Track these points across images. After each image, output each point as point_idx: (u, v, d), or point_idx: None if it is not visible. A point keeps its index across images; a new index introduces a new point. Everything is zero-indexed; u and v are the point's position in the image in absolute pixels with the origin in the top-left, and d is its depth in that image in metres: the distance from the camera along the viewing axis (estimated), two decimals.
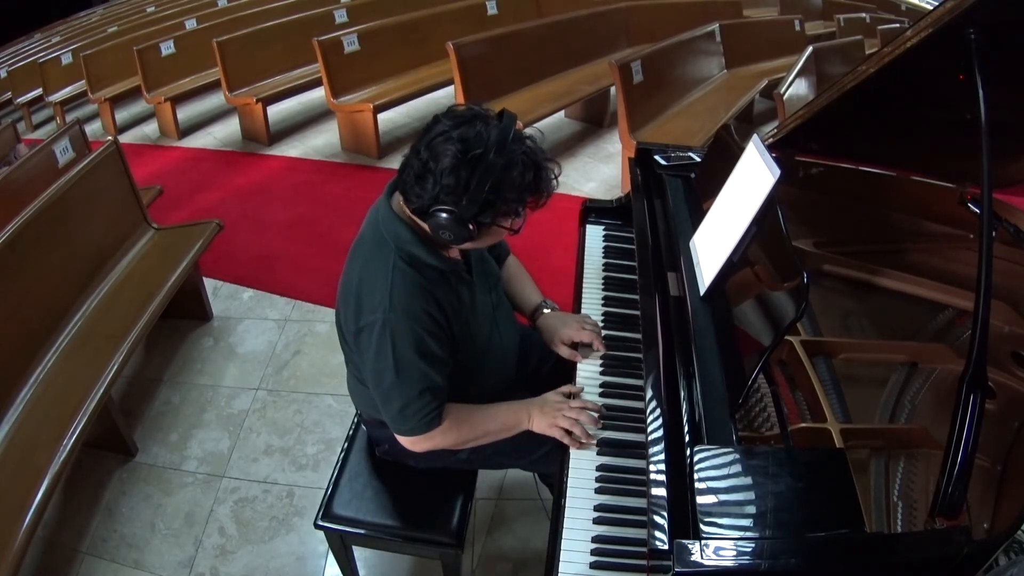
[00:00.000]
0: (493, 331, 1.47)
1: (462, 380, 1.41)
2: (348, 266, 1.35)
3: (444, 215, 1.19)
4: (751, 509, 0.98)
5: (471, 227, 1.20)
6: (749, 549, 0.92)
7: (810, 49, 4.14)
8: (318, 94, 4.83)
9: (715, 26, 4.65)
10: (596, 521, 1.22)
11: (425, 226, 1.26)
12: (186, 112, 5.31)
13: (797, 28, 5.56)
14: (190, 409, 2.49)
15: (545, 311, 1.61)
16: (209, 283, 3.04)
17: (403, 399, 1.31)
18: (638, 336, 1.45)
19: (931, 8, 1.22)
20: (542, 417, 1.39)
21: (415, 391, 1.30)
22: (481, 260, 1.48)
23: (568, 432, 1.35)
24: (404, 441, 1.39)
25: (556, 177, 1.26)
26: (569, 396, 1.43)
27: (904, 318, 1.51)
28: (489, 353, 1.47)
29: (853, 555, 0.94)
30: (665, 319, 1.36)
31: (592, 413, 1.37)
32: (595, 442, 1.35)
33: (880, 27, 5.75)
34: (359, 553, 1.79)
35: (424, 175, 1.18)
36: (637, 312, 1.52)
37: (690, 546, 0.91)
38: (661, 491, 1.05)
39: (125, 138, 5.03)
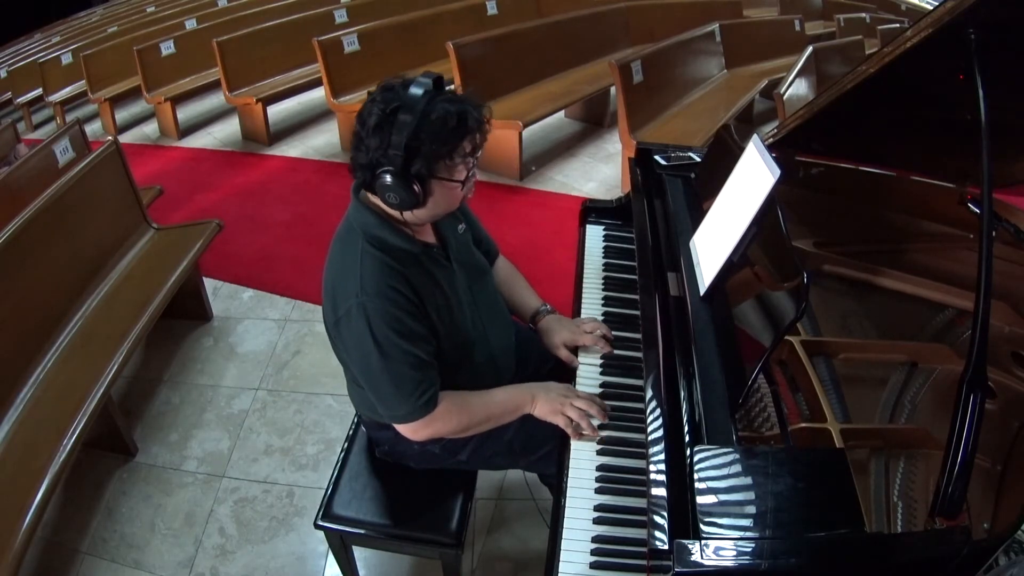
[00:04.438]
0: (478, 321, 1.46)
1: (455, 377, 1.40)
2: (326, 266, 1.37)
3: (384, 177, 1.21)
4: (751, 509, 0.98)
5: (413, 184, 1.22)
6: (749, 549, 0.92)
7: (810, 49, 4.15)
8: (318, 94, 4.83)
9: (715, 26, 4.66)
10: (596, 521, 1.22)
11: (388, 208, 1.30)
12: (186, 112, 5.31)
13: (797, 28, 5.56)
14: (190, 409, 2.49)
15: (547, 316, 1.61)
16: (209, 283, 3.04)
17: (393, 382, 1.30)
18: (638, 336, 1.45)
19: (931, 8, 1.22)
20: (547, 402, 1.38)
21: (403, 371, 1.29)
22: (465, 250, 1.48)
23: (571, 421, 1.35)
24: (405, 430, 1.38)
25: (487, 118, 1.26)
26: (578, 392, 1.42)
27: (904, 318, 1.51)
28: (479, 349, 1.46)
29: (853, 555, 0.94)
30: (665, 319, 1.36)
31: (598, 411, 1.37)
32: (598, 436, 1.34)
33: (880, 27, 5.75)
34: (359, 553, 1.79)
35: (359, 146, 1.24)
36: (637, 312, 1.52)
37: (690, 546, 0.91)
38: (661, 491, 1.05)
39: (125, 138, 5.03)
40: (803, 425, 1.18)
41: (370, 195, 1.33)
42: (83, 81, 5.39)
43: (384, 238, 1.30)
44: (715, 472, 1.02)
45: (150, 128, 5.29)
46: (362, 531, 1.53)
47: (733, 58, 4.79)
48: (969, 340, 1.05)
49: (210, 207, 3.87)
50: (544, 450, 1.45)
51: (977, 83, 1.18)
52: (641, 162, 1.87)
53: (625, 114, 3.62)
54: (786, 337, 1.26)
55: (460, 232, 1.49)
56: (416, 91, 1.19)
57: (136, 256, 2.67)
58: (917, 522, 1.05)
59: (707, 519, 0.96)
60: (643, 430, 1.18)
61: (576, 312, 1.68)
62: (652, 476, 1.08)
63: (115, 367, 2.10)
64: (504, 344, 1.54)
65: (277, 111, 5.01)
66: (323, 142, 4.69)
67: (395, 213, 1.30)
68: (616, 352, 1.53)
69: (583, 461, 1.32)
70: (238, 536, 2.04)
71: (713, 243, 1.41)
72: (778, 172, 1.25)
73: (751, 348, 1.20)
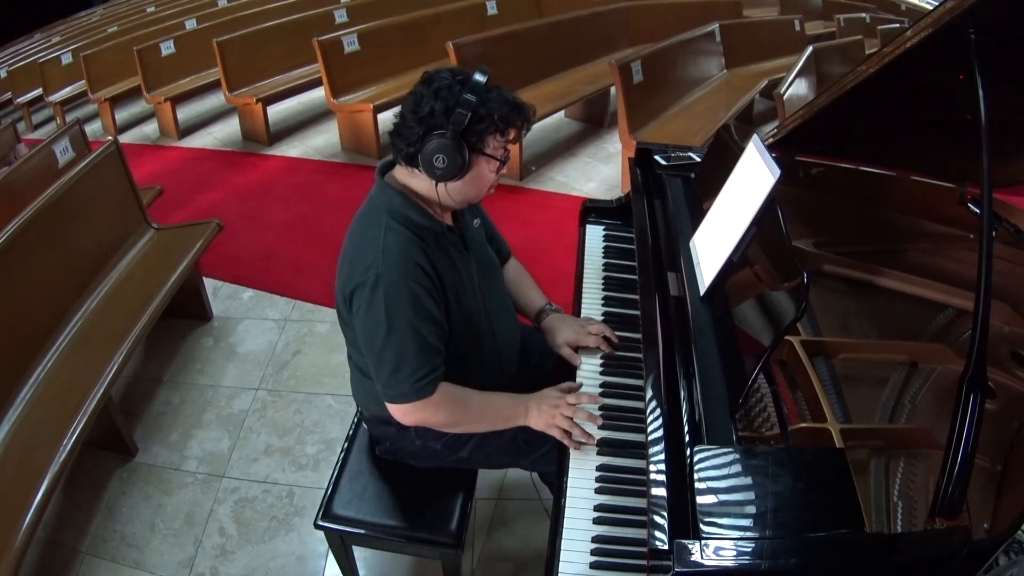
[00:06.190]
0: (487, 312, 1.47)
1: (459, 367, 1.40)
2: (344, 243, 1.38)
3: (435, 140, 1.24)
4: (751, 509, 0.98)
5: (463, 149, 1.25)
6: (749, 549, 0.92)
7: (810, 49, 4.15)
8: (318, 94, 4.83)
9: (715, 26, 4.66)
10: (596, 521, 1.22)
11: (417, 187, 1.34)
12: (186, 112, 5.31)
13: (797, 28, 5.56)
14: (190, 409, 2.49)
15: (551, 314, 1.61)
16: (209, 283, 3.04)
17: (396, 358, 1.30)
18: (638, 336, 1.45)
19: (931, 8, 1.22)
20: (539, 414, 1.39)
21: (409, 349, 1.29)
22: (479, 243, 1.51)
23: (567, 432, 1.35)
24: (395, 410, 1.38)
25: (533, 113, 1.34)
26: (567, 392, 1.43)
27: (904, 318, 1.51)
28: (487, 340, 1.48)
29: (853, 555, 0.94)
30: (665, 319, 1.36)
31: (589, 408, 1.38)
32: (595, 442, 1.34)
33: (880, 27, 5.76)
34: (359, 553, 1.79)
35: (415, 112, 1.27)
36: (637, 312, 1.52)
37: (690, 546, 0.91)
38: (661, 491, 1.05)
39: (125, 138, 5.03)
40: (803, 425, 1.18)
41: (397, 176, 1.36)
42: (83, 81, 5.39)
43: (408, 215, 1.32)
44: (715, 472, 1.02)
45: (150, 128, 5.29)
46: (362, 531, 1.53)
47: (733, 58, 4.79)
48: (969, 340, 1.05)
49: (210, 207, 3.87)
50: (545, 448, 1.45)
51: (977, 83, 1.19)
52: (641, 162, 1.87)
53: (625, 114, 3.62)
54: (786, 337, 1.26)
55: (475, 227, 1.51)
56: (481, 76, 1.26)
57: (136, 256, 2.67)
58: (917, 522, 1.05)
59: (707, 519, 0.96)
60: (643, 430, 1.18)
61: (576, 312, 1.68)
62: (652, 476, 1.08)
63: (115, 367, 2.10)
64: (509, 339, 1.56)
65: (277, 111, 5.01)
66: (323, 142, 4.69)
67: (423, 190, 1.33)
68: (616, 352, 1.53)
69: (583, 461, 1.32)
70: (238, 536, 2.04)
71: (713, 243, 1.41)
72: (778, 172, 1.25)
73: (751, 348, 1.20)
